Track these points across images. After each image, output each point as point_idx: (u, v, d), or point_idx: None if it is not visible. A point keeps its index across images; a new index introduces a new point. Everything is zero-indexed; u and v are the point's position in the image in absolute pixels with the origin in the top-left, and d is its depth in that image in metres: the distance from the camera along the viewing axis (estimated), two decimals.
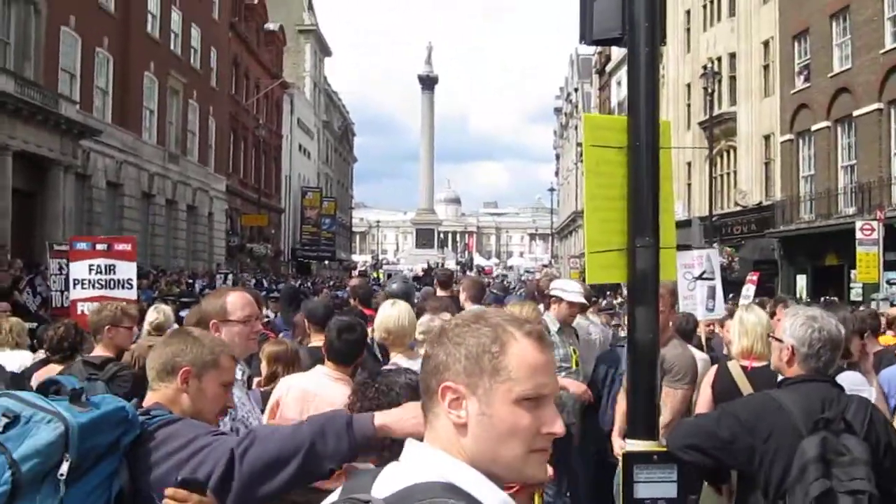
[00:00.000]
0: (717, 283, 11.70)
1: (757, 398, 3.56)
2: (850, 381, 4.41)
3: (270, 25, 56.33)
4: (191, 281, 28.23)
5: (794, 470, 3.10)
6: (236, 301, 3.77)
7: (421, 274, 45.00)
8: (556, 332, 6.93)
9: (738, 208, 34.74)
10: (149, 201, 34.78)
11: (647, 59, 3.79)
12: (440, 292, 9.21)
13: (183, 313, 10.38)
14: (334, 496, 1.69)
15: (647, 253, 3.70)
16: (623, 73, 52.08)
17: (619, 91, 54.39)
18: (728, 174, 37.16)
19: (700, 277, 11.54)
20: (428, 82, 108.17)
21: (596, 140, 3.97)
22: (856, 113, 27.01)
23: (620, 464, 3.62)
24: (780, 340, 3.55)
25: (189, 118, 39.38)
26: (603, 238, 3.90)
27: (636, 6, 3.76)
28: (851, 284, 23.84)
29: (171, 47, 36.94)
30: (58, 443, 2.34)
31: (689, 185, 40.76)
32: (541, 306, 7.60)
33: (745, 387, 4.73)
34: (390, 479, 1.61)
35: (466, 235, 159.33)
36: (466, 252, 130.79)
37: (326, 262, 66.50)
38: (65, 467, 2.34)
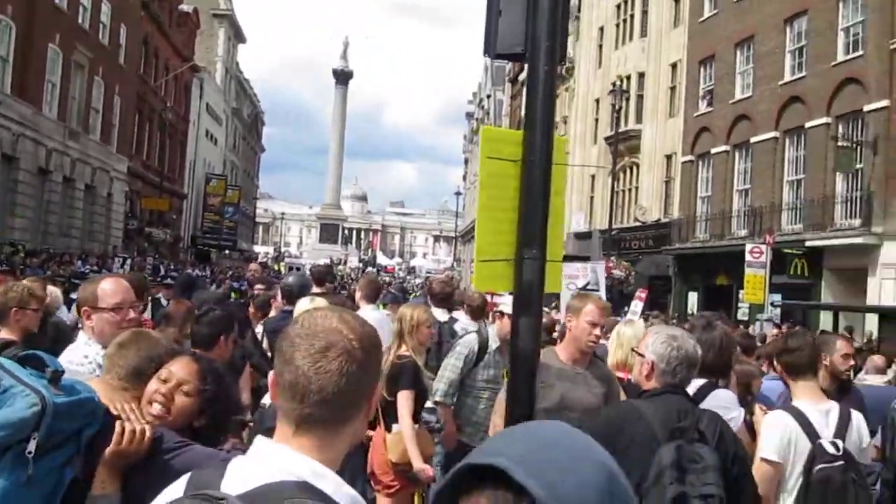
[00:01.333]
0: (602, 294, 12.08)
1: (623, 406, 3.78)
2: (720, 399, 4.58)
3: (185, 7, 55.06)
4: (80, 262, 27.34)
5: (650, 475, 3.28)
6: (108, 288, 3.71)
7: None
8: (495, 351, 6.76)
9: (638, 223, 35.58)
10: (45, 177, 33.54)
11: (545, 77, 3.90)
12: (315, 288, 9.11)
13: (73, 295, 10.09)
14: (178, 491, 1.70)
15: (534, 265, 3.82)
16: None
17: None
18: (630, 190, 38.04)
19: (583, 289, 11.91)
20: (342, 77, 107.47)
21: (491, 152, 4.08)
22: (753, 140, 28.02)
23: None
24: (641, 355, 3.78)
25: (93, 95, 38.12)
26: (492, 248, 4.01)
27: (539, 25, 3.88)
28: (739, 304, 24.65)
29: (79, 20, 35.69)
30: (31, 420, 2.31)
31: (592, 197, 41.57)
32: (434, 309, 7.66)
33: (622, 397, 4.97)
34: (240, 475, 1.63)
35: (371, 233, 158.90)
36: (370, 250, 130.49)
37: (227, 251, 65.40)
38: (32, 444, 2.31)
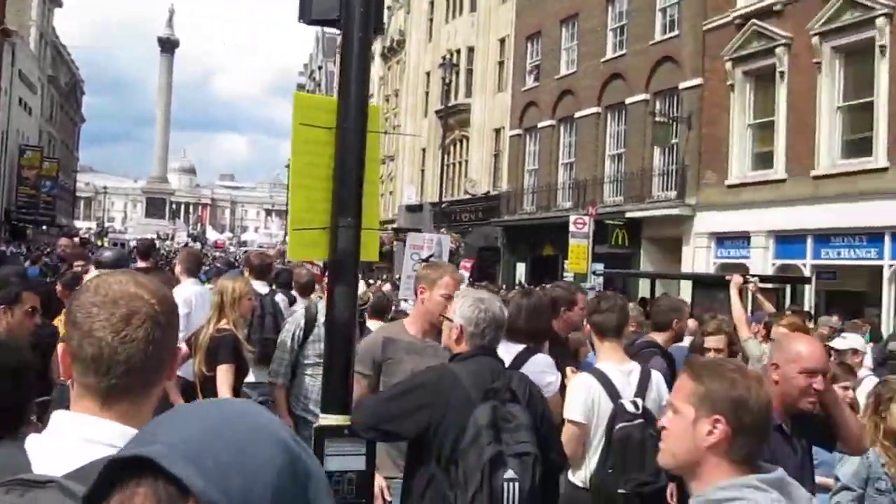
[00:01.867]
0: None
1: (436, 371, 3.72)
2: (538, 364, 4.76)
3: None
4: None
5: (467, 436, 3.30)
6: None
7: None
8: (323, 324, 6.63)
9: (468, 196, 35.98)
10: None
11: (359, 45, 3.90)
12: (140, 263, 8.68)
13: None
14: None
15: (349, 233, 3.81)
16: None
17: None
18: (460, 163, 38.40)
19: (427, 260, 11.82)
20: (168, 45, 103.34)
21: (305, 119, 4.02)
22: (577, 114, 28.80)
23: (314, 437, 3.70)
24: (450, 320, 3.81)
25: None
26: (307, 216, 3.97)
27: None
28: (564, 274, 25.31)
29: None
30: None
31: (423, 171, 41.74)
32: (253, 282, 7.45)
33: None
34: (50, 454, 1.51)
35: (200, 207, 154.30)
36: (199, 224, 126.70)
37: (45, 227, 61.79)
38: None
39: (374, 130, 4.15)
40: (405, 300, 11.92)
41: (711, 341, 4.86)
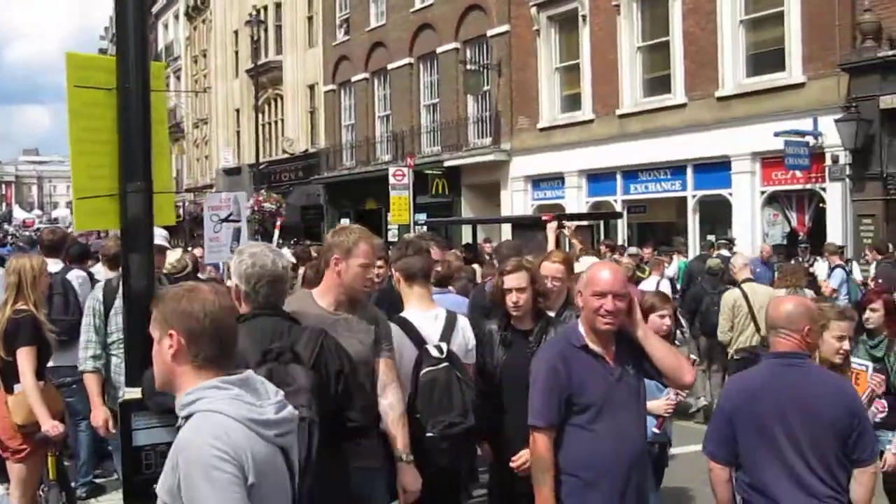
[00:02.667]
0: (244, 225, 11.58)
1: None
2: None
3: None
4: None
5: None
6: None
7: None
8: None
9: (286, 156, 35.08)
10: None
11: (135, 1, 3.70)
12: None
13: None
14: None
15: (139, 198, 3.62)
16: (170, 16, 49.83)
17: (165, 34, 52.00)
18: (276, 122, 37.33)
19: (226, 220, 11.32)
20: None
21: (81, 80, 3.76)
22: (390, 66, 28.44)
23: (119, 413, 3.47)
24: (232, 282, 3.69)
25: None
26: (91, 184, 3.74)
27: None
28: (388, 226, 25.15)
29: None
30: None
31: (239, 132, 40.35)
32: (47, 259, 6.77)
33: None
34: None
35: (3, 186, 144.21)
36: (4, 204, 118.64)
37: None
38: None
39: (158, 89, 3.95)
40: (212, 265, 11.40)
41: (512, 280, 4.59)
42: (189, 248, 18.37)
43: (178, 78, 49.26)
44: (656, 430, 4.95)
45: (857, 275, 13.57)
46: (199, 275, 10.71)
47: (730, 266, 10.38)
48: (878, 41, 15.31)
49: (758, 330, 8.81)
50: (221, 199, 12.13)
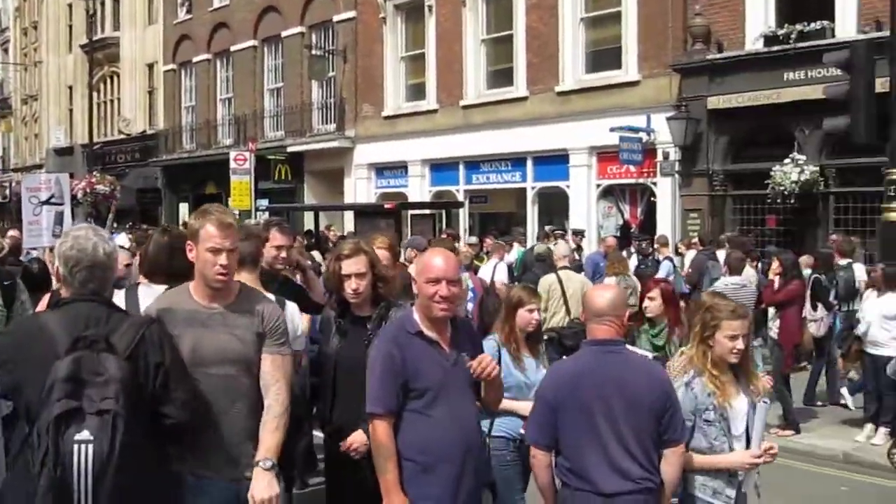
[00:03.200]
0: (67, 208, 10.83)
1: (25, 321, 3.39)
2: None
3: None
4: None
5: (44, 392, 2.85)
6: None
7: None
8: None
9: (122, 136, 33.36)
10: None
11: None
12: None
13: None
14: None
15: None
16: None
17: None
18: (112, 101, 35.41)
19: (47, 202, 10.54)
20: None
21: None
22: (233, 48, 27.50)
23: None
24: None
25: None
26: None
27: None
28: None
29: None
30: None
31: (72, 110, 38.11)
32: None
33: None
34: None
35: None
36: None
37: None
38: None
39: None
40: (33, 249, 10.55)
41: (350, 265, 4.28)
42: (8, 231, 17.13)
43: (6, 50, 46.14)
44: (522, 431, 4.69)
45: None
46: (22, 258, 10.04)
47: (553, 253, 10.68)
48: (707, 44, 15.90)
49: (568, 313, 9.33)
50: (41, 181, 11.32)
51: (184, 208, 30.21)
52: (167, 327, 3.35)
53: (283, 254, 5.49)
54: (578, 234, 16.68)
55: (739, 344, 4.01)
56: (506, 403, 4.52)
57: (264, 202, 24.42)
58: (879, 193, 11.12)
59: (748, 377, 4.15)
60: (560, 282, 9.66)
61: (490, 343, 4.93)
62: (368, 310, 4.41)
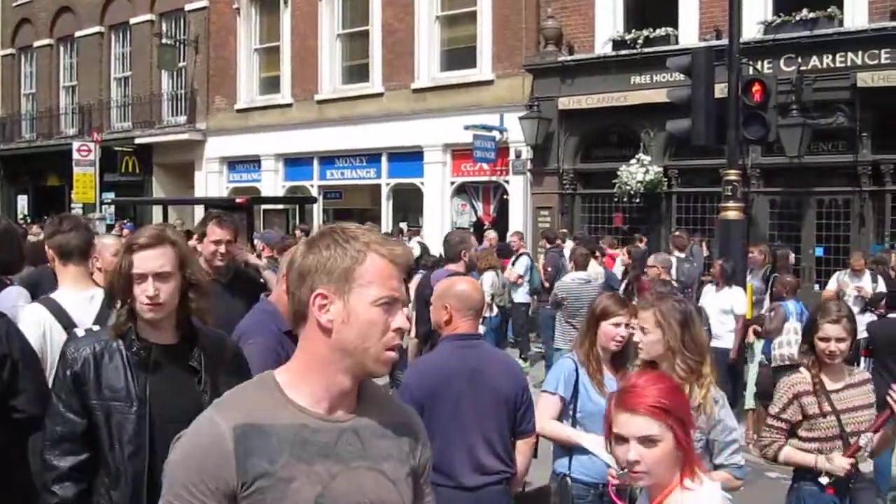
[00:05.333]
0: None
1: None
2: (11, 296, 4.15)
3: None
4: None
5: None
6: None
7: None
8: None
9: None
10: None
11: None
12: None
13: None
14: None
15: None
16: None
17: None
18: None
19: None
20: None
21: None
22: (78, 34, 25.66)
23: None
24: None
25: None
26: None
27: None
28: (72, 205, 22.71)
29: None
30: None
31: None
32: None
33: None
34: None
35: None
36: None
37: None
38: None
39: None
40: None
41: (145, 260, 3.61)
42: None
43: None
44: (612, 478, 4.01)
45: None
46: None
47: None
48: (559, 47, 15.87)
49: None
50: None
51: (22, 201, 28.10)
52: (258, 461, 1.72)
53: (222, 248, 5.05)
54: (413, 229, 16.35)
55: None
56: (576, 436, 4.01)
57: (110, 195, 23.01)
58: (718, 193, 11.32)
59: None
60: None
61: (566, 362, 4.20)
62: (171, 334, 2.90)
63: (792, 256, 10.83)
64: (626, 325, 4.06)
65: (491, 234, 14.52)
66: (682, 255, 11.78)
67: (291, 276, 1.80)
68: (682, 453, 2.29)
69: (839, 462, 3.97)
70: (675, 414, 2.28)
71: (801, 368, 4.23)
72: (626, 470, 2.29)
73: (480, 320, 4.05)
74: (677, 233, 12.79)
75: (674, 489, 2.29)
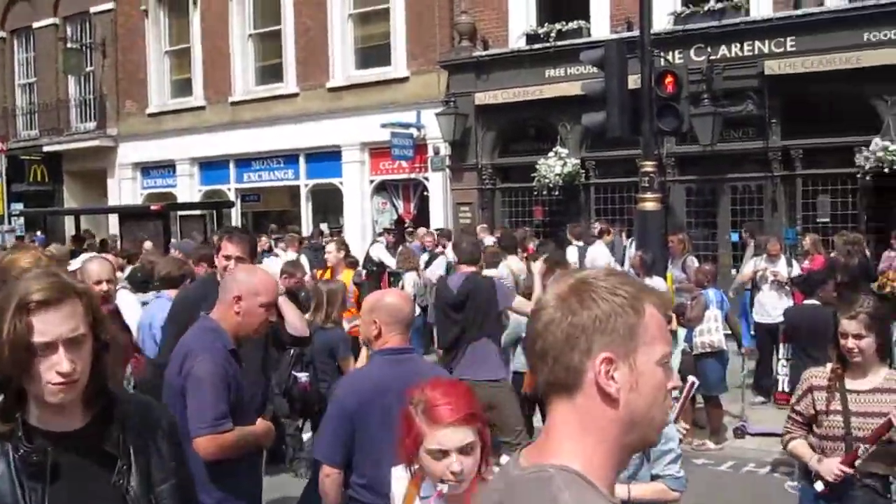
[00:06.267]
0: None
1: None
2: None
3: None
4: None
5: None
6: None
7: None
8: None
9: None
10: None
11: None
12: None
13: None
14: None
15: None
16: None
17: None
18: None
19: None
20: None
21: None
22: None
23: None
24: None
25: None
26: None
27: None
28: None
29: None
30: None
31: None
32: None
33: None
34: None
35: None
36: None
37: None
38: None
39: None
40: None
41: (49, 324, 2.91)
42: None
43: None
44: None
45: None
46: None
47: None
48: (473, 42, 15.62)
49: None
50: None
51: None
52: None
53: (232, 265, 4.40)
54: (335, 229, 15.97)
55: None
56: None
57: (18, 206, 21.91)
58: (636, 183, 11.22)
59: None
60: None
61: None
62: (78, 415, 2.08)
63: (774, 242, 10.61)
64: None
65: (421, 232, 14.19)
66: (581, 244, 12.15)
67: (549, 339, 1.43)
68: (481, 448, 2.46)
69: (827, 466, 3.73)
70: (479, 416, 2.45)
71: (828, 363, 3.99)
72: (451, 482, 2.39)
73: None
74: (574, 224, 13.00)
75: (476, 483, 2.40)
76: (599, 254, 11.92)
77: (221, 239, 4.67)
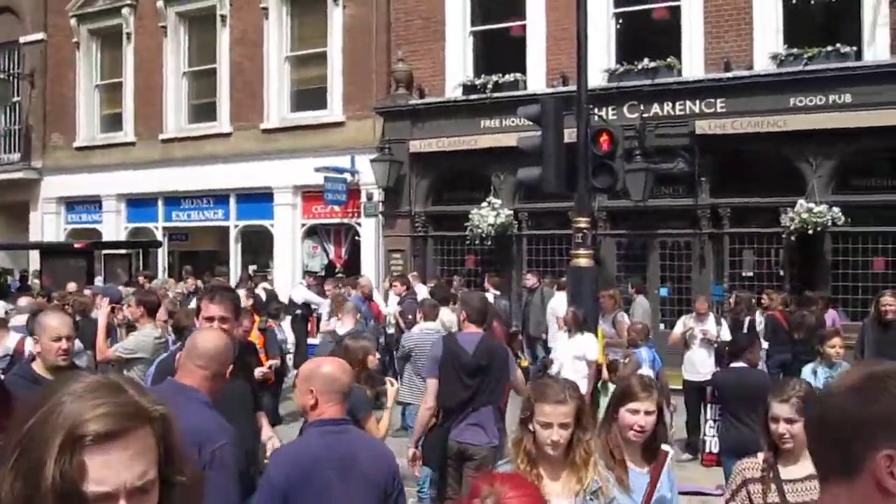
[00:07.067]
0: None
1: None
2: None
3: None
4: None
5: None
6: None
7: None
8: None
9: None
10: None
11: None
12: None
13: None
14: None
15: None
16: None
17: None
18: None
19: None
20: None
21: None
22: None
23: None
24: None
25: None
26: None
27: None
28: None
29: None
30: None
31: None
32: None
33: None
34: None
35: None
36: None
37: None
38: None
39: None
40: None
41: None
42: None
43: None
44: None
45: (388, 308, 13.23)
46: None
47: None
48: (409, 90, 15.44)
49: None
50: None
51: None
52: None
53: (215, 326, 4.00)
54: (260, 275, 15.51)
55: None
56: None
57: None
58: (568, 235, 11.05)
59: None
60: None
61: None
62: None
63: (703, 300, 10.40)
64: (647, 413, 3.43)
65: (364, 282, 13.56)
66: (497, 293, 12.33)
67: (833, 424, 1.47)
68: None
69: None
70: None
71: (759, 453, 3.68)
72: None
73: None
74: (491, 273, 13.27)
75: None
76: (559, 304, 11.56)
77: (202, 299, 4.27)
